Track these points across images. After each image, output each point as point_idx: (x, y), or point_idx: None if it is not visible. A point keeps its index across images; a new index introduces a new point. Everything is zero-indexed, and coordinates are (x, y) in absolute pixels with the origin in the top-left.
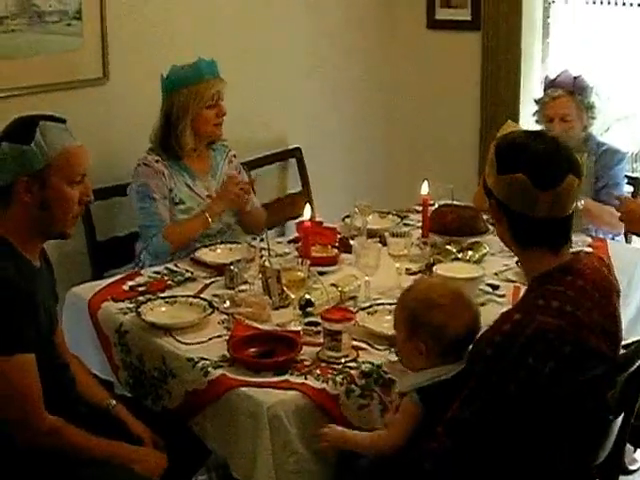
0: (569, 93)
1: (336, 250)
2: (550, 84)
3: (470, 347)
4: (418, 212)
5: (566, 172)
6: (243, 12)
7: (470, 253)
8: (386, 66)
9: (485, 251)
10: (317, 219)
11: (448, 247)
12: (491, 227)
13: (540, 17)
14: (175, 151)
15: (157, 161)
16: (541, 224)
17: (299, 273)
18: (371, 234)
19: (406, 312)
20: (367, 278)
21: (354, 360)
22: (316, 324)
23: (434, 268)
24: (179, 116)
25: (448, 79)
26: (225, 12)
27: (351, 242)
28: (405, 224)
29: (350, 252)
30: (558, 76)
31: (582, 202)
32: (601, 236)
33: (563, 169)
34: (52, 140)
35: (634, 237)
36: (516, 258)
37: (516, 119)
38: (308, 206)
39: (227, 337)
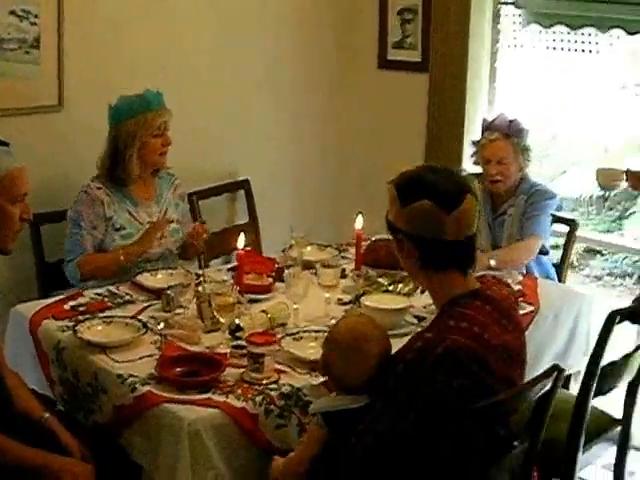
0: (505, 136)
1: (271, 279)
2: (487, 127)
3: None
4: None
5: (464, 192)
6: (195, 43)
7: (400, 286)
8: (338, 103)
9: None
10: (259, 249)
11: (379, 279)
12: None
13: (487, 61)
14: (121, 178)
15: (99, 188)
16: (451, 246)
17: (229, 298)
18: (307, 265)
19: (321, 354)
20: (295, 306)
21: (275, 382)
22: (243, 347)
23: (362, 299)
24: (127, 144)
25: (396, 117)
26: (179, 43)
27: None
28: (343, 257)
29: (282, 281)
30: (495, 119)
31: (493, 262)
32: (536, 274)
33: (461, 190)
34: None
35: (569, 275)
36: None
37: (459, 158)
38: (242, 235)
39: (157, 357)
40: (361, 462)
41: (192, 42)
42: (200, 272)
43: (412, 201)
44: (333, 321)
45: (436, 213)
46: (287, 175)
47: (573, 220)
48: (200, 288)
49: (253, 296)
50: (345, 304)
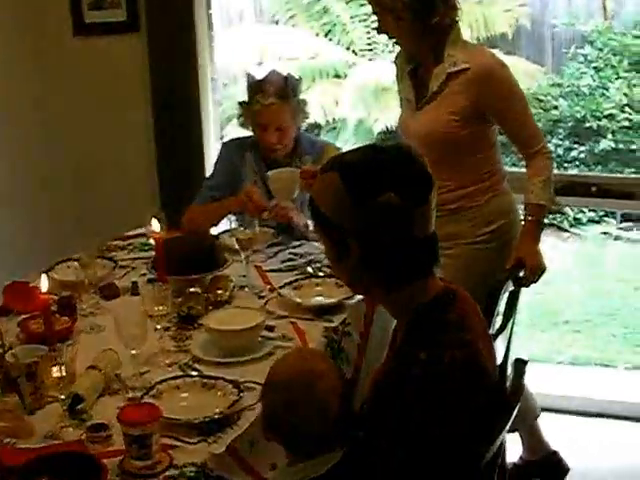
0: (282, 98)
1: (66, 317)
2: (258, 88)
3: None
4: (122, 249)
5: (432, 182)
6: None
7: (219, 292)
8: (34, 88)
9: (232, 284)
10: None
11: (193, 289)
12: (230, 257)
13: (204, 6)
14: None
15: None
16: (421, 244)
17: (55, 367)
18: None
19: (262, 411)
20: (134, 352)
21: (171, 465)
22: (104, 427)
23: (202, 320)
24: None
25: (112, 91)
26: None
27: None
28: (120, 267)
29: (75, 315)
30: (266, 78)
31: None
32: None
33: (429, 179)
34: None
35: None
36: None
37: (199, 124)
38: (44, 276)
39: None
40: None
41: None
42: None
43: (372, 195)
44: (168, 360)
45: (404, 208)
46: None
47: None
48: (9, 357)
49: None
50: (167, 329)
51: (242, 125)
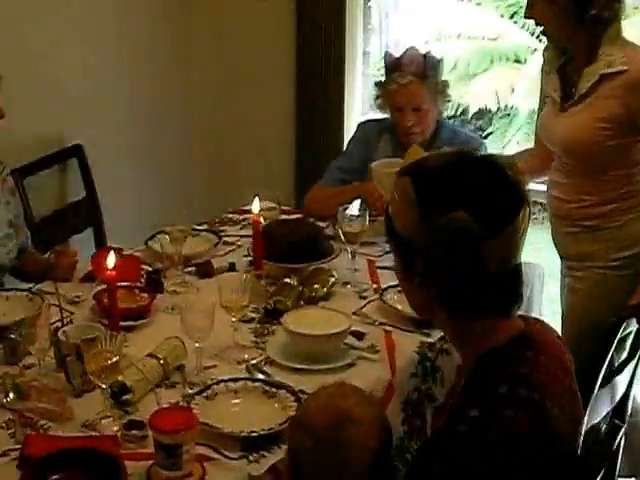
0: (420, 77)
1: (146, 294)
2: (395, 66)
3: None
4: (235, 223)
5: (522, 201)
6: None
7: (316, 287)
8: (180, 41)
9: (333, 280)
10: (102, 234)
11: (288, 280)
12: (336, 246)
13: None
14: None
15: None
16: (492, 280)
17: (109, 356)
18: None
19: (288, 451)
20: (198, 345)
21: None
22: (140, 425)
23: (283, 319)
24: None
25: (256, 55)
26: None
27: (164, 282)
28: (225, 243)
29: (161, 292)
30: (403, 55)
31: None
32: None
33: (517, 203)
34: None
35: None
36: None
37: (340, 102)
38: (112, 253)
39: (17, 456)
40: None
41: None
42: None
43: (442, 210)
44: (245, 355)
45: (477, 232)
46: (127, 133)
47: None
48: (62, 334)
49: (125, 323)
50: (250, 321)
51: (379, 108)
